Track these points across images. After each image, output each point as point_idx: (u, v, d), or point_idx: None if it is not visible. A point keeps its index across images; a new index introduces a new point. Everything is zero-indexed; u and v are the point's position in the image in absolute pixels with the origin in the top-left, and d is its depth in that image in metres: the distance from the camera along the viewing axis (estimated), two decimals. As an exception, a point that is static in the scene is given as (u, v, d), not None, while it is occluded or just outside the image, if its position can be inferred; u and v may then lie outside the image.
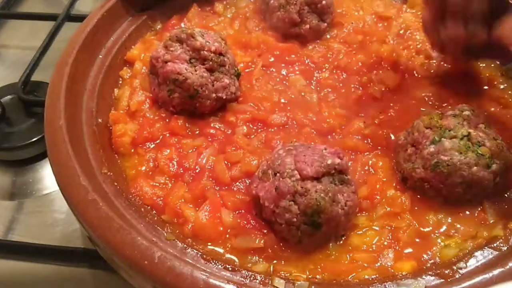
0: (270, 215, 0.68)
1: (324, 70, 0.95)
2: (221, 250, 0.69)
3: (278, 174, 0.67)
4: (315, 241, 0.68)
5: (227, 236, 0.70)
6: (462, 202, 0.73)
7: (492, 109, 0.88)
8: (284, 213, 0.66)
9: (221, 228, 0.70)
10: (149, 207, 0.75)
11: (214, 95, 0.85)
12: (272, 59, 0.97)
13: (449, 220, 0.72)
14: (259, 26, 1.03)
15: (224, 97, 0.86)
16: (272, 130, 0.84)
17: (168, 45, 0.84)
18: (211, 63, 0.84)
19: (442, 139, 0.70)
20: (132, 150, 0.82)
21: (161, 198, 0.75)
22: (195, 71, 0.83)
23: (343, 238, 0.70)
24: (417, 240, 0.70)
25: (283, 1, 0.98)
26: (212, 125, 0.86)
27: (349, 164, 0.72)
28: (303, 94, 0.91)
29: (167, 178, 0.78)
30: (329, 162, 0.67)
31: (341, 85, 0.93)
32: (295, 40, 1.00)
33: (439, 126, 0.72)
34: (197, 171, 0.78)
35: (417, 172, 0.73)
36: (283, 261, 0.68)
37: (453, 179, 0.70)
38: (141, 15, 1.04)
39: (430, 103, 0.89)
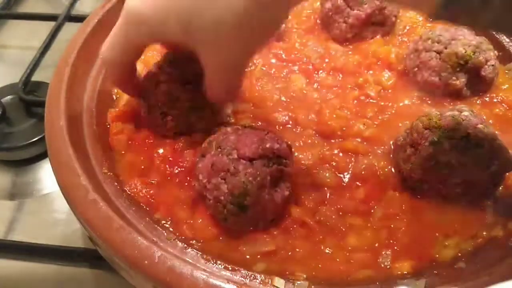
0: (202, 188, 0.69)
1: (321, 71, 0.95)
2: (220, 250, 0.69)
3: (219, 148, 0.68)
4: (241, 222, 0.69)
5: (227, 235, 0.70)
6: (461, 202, 0.73)
7: (497, 110, 0.88)
8: (214, 190, 0.67)
9: (219, 227, 0.70)
10: (145, 207, 0.75)
11: (211, 115, 0.81)
12: (273, 60, 0.97)
13: (449, 220, 0.72)
14: None
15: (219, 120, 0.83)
16: (274, 130, 0.84)
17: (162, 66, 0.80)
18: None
19: (441, 139, 0.70)
20: (129, 148, 0.82)
21: (155, 197, 0.75)
22: (186, 87, 0.78)
23: (274, 224, 0.71)
24: (417, 240, 0.70)
25: None
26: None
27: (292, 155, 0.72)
28: (304, 92, 0.91)
29: (163, 176, 0.78)
30: (267, 145, 0.68)
31: (338, 86, 0.93)
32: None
33: (438, 127, 0.72)
34: (193, 169, 0.77)
35: (416, 173, 0.73)
36: (283, 261, 0.68)
37: (452, 180, 0.70)
38: (142, 15, 1.04)
39: (428, 102, 0.90)
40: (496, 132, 0.74)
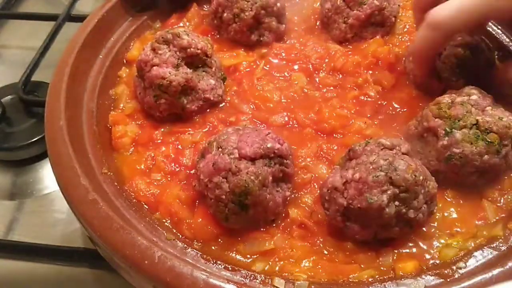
0: (203, 188, 0.69)
1: (321, 71, 0.95)
2: (220, 250, 0.69)
3: (220, 149, 0.68)
4: (242, 222, 0.69)
5: (227, 235, 0.70)
6: (471, 196, 0.74)
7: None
8: (215, 189, 0.67)
9: (218, 227, 0.70)
10: (146, 207, 0.75)
11: (202, 95, 0.85)
12: (274, 60, 0.97)
13: (451, 219, 0.72)
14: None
15: (212, 98, 0.86)
16: (274, 129, 0.84)
17: (156, 47, 0.83)
18: (197, 61, 0.85)
19: (453, 130, 0.71)
20: (132, 149, 0.83)
21: (155, 196, 0.75)
22: (178, 71, 0.82)
23: (274, 224, 0.71)
24: (418, 239, 0.70)
25: (237, 10, 0.95)
26: (210, 124, 0.86)
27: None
28: (305, 90, 0.91)
29: (163, 175, 0.78)
30: (268, 145, 0.68)
31: (338, 85, 0.93)
32: (259, 47, 0.99)
33: (448, 116, 0.72)
34: (193, 169, 0.77)
35: (431, 165, 0.74)
36: (283, 261, 0.68)
37: (466, 169, 0.71)
38: (141, 15, 1.05)
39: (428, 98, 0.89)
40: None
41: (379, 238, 0.67)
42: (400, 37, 1.02)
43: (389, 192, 0.62)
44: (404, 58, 0.95)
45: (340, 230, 0.69)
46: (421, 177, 0.64)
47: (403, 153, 0.67)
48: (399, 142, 0.68)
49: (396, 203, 0.63)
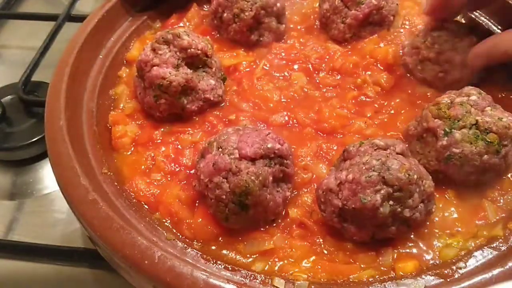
0: (203, 188, 0.69)
1: (321, 71, 0.95)
2: (220, 250, 0.69)
3: (220, 149, 0.68)
4: (242, 222, 0.69)
5: (227, 235, 0.70)
6: (471, 196, 0.75)
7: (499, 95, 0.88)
8: (215, 189, 0.67)
9: (218, 227, 0.70)
10: (146, 207, 0.75)
11: (202, 95, 0.85)
12: (274, 60, 0.97)
13: (451, 219, 0.72)
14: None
15: (212, 99, 0.86)
16: (274, 129, 0.84)
17: (156, 47, 0.83)
18: (197, 61, 0.85)
19: (453, 130, 0.71)
20: (132, 149, 0.83)
21: (155, 196, 0.75)
22: (179, 71, 0.82)
23: (274, 224, 0.72)
24: (418, 239, 0.70)
25: (237, 10, 0.95)
26: (209, 124, 0.86)
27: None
28: (305, 90, 0.91)
29: (163, 175, 0.78)
30: (269, 145, 0.68)
31: (337, 86, 0.93)
32: (259, 47, 1.00)
33: (447, 117, 0.72)
34: (193, 169, 0.77)
35: (431, 165, 0.74)
36: (283, 261, 0.68)
37: (466, 169, 0.71)
38: (141, 15, 1.05)
39: (428, 95, 0.89)
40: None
41: (378, 239, 0.67)
42: (398, 37, 1.02)
43: (382, 191, 0.62)
44: (405, 57, 0.94)
45: (339, 230, 0.69)
46: (415, 176, 0.64)
47: (397, 153, 0.67)
48: (394, 142, 0.68)
49: (391, 202, 0.63)
